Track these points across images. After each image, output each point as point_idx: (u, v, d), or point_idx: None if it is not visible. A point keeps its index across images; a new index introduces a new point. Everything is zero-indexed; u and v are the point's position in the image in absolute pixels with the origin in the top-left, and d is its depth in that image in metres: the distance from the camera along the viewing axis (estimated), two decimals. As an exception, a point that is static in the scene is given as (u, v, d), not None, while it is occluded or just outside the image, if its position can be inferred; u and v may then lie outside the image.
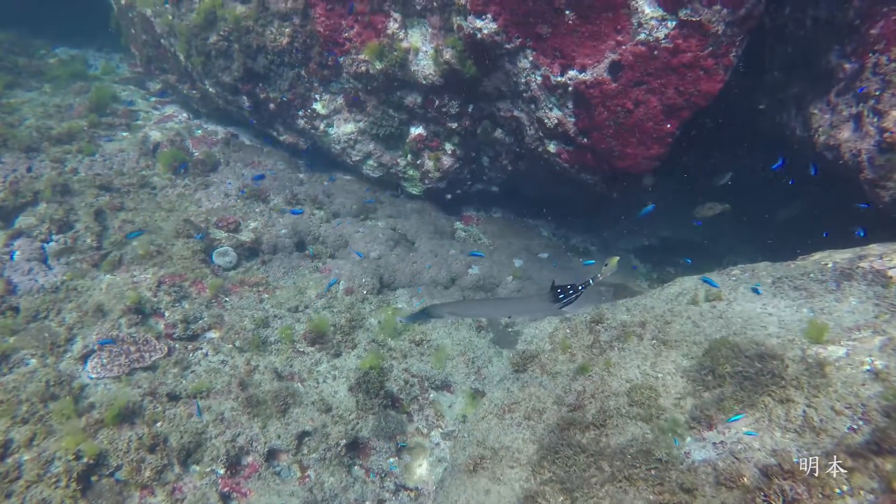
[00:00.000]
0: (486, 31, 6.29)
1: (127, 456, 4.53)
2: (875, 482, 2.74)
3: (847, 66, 5.41)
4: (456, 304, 6.11)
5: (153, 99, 10.41)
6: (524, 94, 6.79)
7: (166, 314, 6.00)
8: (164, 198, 7.87)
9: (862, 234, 5.66)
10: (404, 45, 7.14)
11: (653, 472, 3.59)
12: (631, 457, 3.77)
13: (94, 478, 4.37)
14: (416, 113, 7.86)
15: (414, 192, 8.86)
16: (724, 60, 5.55)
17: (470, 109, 7.69)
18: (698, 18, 5.38)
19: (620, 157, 6.47)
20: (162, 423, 4.89)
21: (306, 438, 5.08)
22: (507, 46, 6.36)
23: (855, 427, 3.04)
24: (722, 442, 3.60)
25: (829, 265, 4.82)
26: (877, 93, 5.11)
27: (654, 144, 6.26)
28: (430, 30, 7.01)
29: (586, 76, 6.04)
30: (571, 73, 6.10)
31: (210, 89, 8.75)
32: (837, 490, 2.60)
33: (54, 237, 6.65)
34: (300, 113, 8.42)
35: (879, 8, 5.19)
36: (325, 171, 9.29)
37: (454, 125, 7.83)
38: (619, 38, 5.75)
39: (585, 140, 6.55)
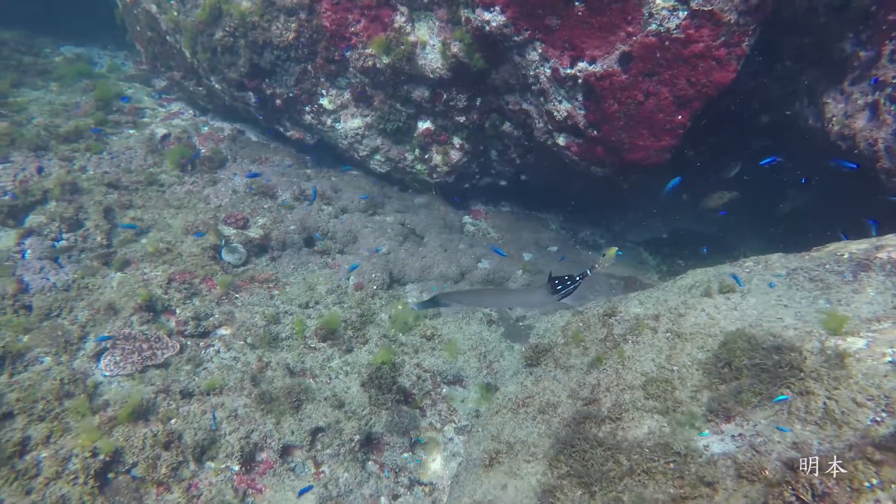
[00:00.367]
0: (494, 24, 6.24)
1: (142, 453, 4.54)
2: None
3: (862, 53, 5.34)
4: (462, 293, 6.11)
5: (161, 96, 10.40)
6: (533, 87, 6.74)
7: (177, 311, 6.01)
8: (173, 195, 7.86)
9: (874, 225, 5.60)
10: (411, 38, 7.09)
11: (671, 465, 3.58)
12: (649, 450, 3.76)
13: (110, 475, 4.39)
14: (424, 107, 7.82)
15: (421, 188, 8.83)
16: (736, 50, 5.48)
17: (478, 103, 7.65)
18: (710, 8, 5.32)
19: (631, 150, 6.42)
20: (176, 420, 4.90)
21: (320, 434, 5.08)
22: (516, 39, 6.30)
23: (878, 419, 3.01)
24: (741, 434, 3.58)
25: (846, 256, 4.78)
26: (894, 80, 5.05)
27: (665, 136, 6.21)
28: (437, 23, 6.96)
29: (596, 68, 5.98)
30: (581, 64, 6.05)
31: (216, 86, 8.72)
32: (867, 484, 2.57)
33: (64, 235, 6.65)
34: (307, 108, 8.39)
35: (896, -6, 5.13)
36: (333, 167, 9.27)
37: (462, 119, 7.79)
38: (630, 28, 5.69)
39: (595, 133, 6.50)
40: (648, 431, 4.00)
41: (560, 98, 6.50)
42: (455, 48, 6.81)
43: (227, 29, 7.78)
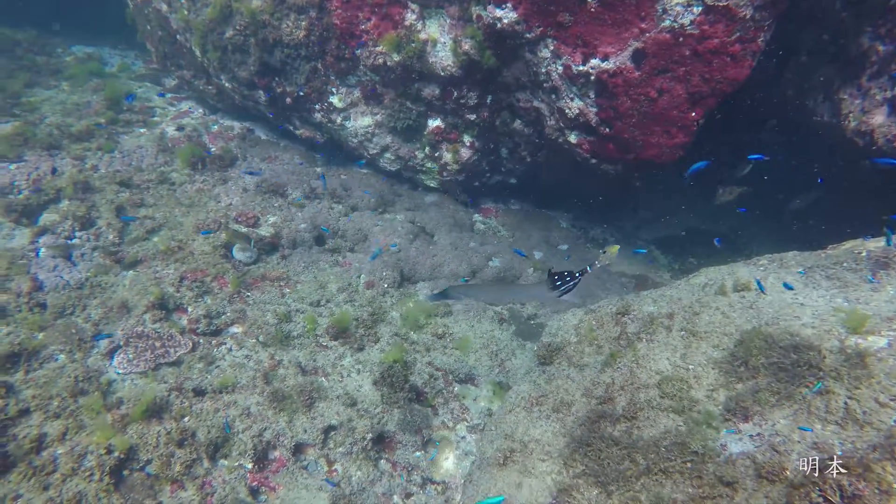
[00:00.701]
0: (506, 21, 6.21)
1: (156, 450, 4.55)
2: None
3: (881, 48, 5.27)
4: (470, 287, 6.09)
5: (169, 95, 10.44)
6: (544, 85, 6.70)
7: (189, 309, 6.02)
8: (184, 193, 7.88)
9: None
10: (422, 36, 7.07)
11: (689, 464, 3.54)
12: (665, 449, 3.73)
13: (125, 472, 4.40)
14: (434, 105, 7.80)
15: (432, 185, 8.81)
16: (751, 46, 5.43)
17: (489, 101, 7.62)
18: (725, 3, 5.26)
19: (644, 147, 6.38)
20: (189, 418, 4.91)
21: (332, 433, 5.08)
22: (528, 36, 6.27)
23: (902, 419, 2.97)
24: (759, 434, 3.54)
25: (863, 254, 4.72)
26: (913, 76, 4.99)
27: (678, 133, 6.16)
28: (448, 20, 6.94)
29: (609, 65, 5.94)
30: (594, 61, 6.01)
31: (226, 84, 8.74)
32: None
33: (77, 234, 6.68)
34: (317, 107, 8.40)
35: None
36: (343, 166, 9.27)
37: (473, 117, 7.76)
38: (643, 25, 5.64)
39: (608, 130, 6.46)
40: (664, 430, 3.97)
41: (572, 95, 6.46)
42: (466, 45, 6.79)
43: (237, 27, 7.79)
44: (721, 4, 5.27)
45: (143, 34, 10.08)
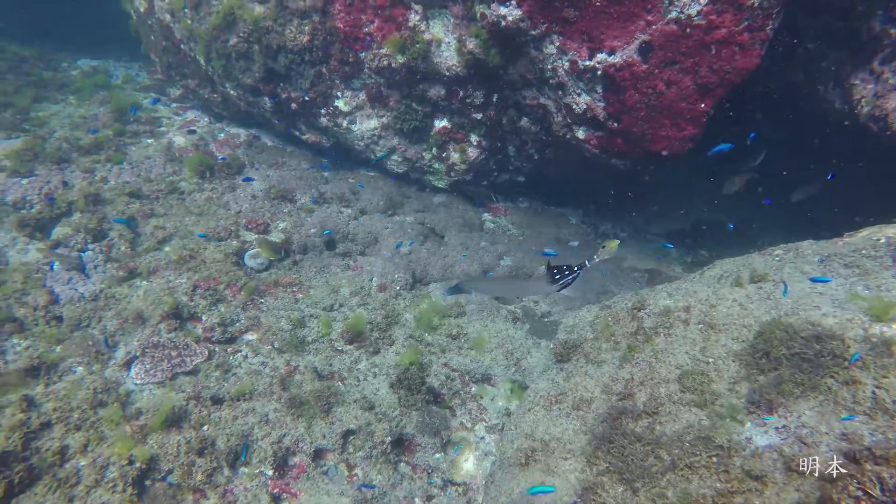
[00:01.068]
0: (510, 18, 6.18)
1: (177, 460, 4.56)
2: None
3: (893, 31, 5.20)
4: (480, 280, 6.05)
5: (174, 105, 10.48)
6: (551, 81, 6.67)
7: (203, 318, 6.03)
8: (193, 202, 7.91)
9: None
10: (426, 36, 7.06)
11: (714, 459, 3.51)
12: (689, 444, 3.69)
13: (147, 482, 4.41)
14: (440, 105, 7.79)
15: (440, 186, 8.80)
16: (760, 34, 5.37)
17: (495, 99, 7.59)
18: (732, -8, 5.22)
19: (653, 140, 6.33)
20: (208, 427, 4.91)
21: (351, 437, 5.07)
22: (533, 32, 6.24)
23: (933, 408, 2.92)
24: (785, 426, 3.50)
25: (882, 241, 4.67)
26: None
27: (687, 125, 6.12)
28: (452, 20, 6.92)
29: (616, 59, 5.91)
30: (600, 56, 5.97)
31: (231, 92, 8.76)
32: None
33: (90, 246, 6.71)
34: (322, 111, 8.40)
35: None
36: (349, 169, 9.27)
37: (479, 116, 7.74)
38: (650, 17, 5.60)
39: (616, 124, 6.42)
40: (687, 425, 3.93)
41: (579, 91, 6.42)
42: (471, 45, 6.77)
43: (241, 35, 7.81)
44: (728, -7, 5.23)
45: (148, 45, 10.12)
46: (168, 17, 8.72)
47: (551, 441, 4.37)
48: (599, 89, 6.23)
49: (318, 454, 4.95)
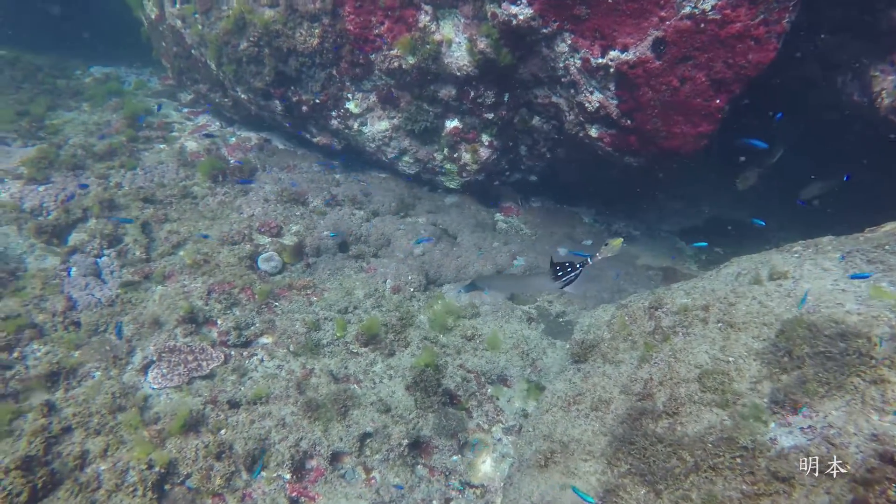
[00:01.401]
0: (521, 17, 6.15)
1: (196, 464, 4.58)
2: None
3: (913, 22, 5.10)
4: (491, 278, 6.05)
5: (186, 110, 10.55)
6: (563, 79, 6.62)
7: (219, 322, 6.05)
8: (206, 206, 7.95)
9: None
10: (437, 37, 7.04)
11: (739, 460, 3.45)
12: (712, 445, 3.64)
13: (167, 486, 4.43)
14: (451, 106, 7.76)
15: (452, 187, 8.77)
16: (776, 28, 5.29)
17: (506, 98, 7.56)
18: (748, -14, 5.15)
19: (667, 137, 6.27)
20: (226, 431, 4.92)
21: (368, 440, 5.07)
22: (544, 31, 6.20)
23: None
24: (811, 427, 3.44)
25: (906, 235, 4.58)
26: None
27: (702, 122, 6.04)
28: (462, 20, 6.89)
29: (629, 56, 5.85)
30: (613, 53, 5.92)
31: (242, 96, 8.80)
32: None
33: (105, 252, 6.76)
34: (333, 113, 8.41)
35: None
36: (361, 171, 9.28)
37: (490, 116, 7.71)
38: (663, 13, 5.54)
39: (629, 122, 6.36)
40: (709, 425, 3.87)
41: (591, 89, 6.37)
42: (482, 44, 6.74)
43: (251, 39, 7.84)
44: (743, -13, 5.16)
45: (159, 51, 10.20)
46: (179, 22, 8.77)
47: (570, 442, 4.33)
48: (612, 87, 6.18)
49: (335, 457, 4.94)
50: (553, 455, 4.26)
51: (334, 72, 7.96)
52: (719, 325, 4.60)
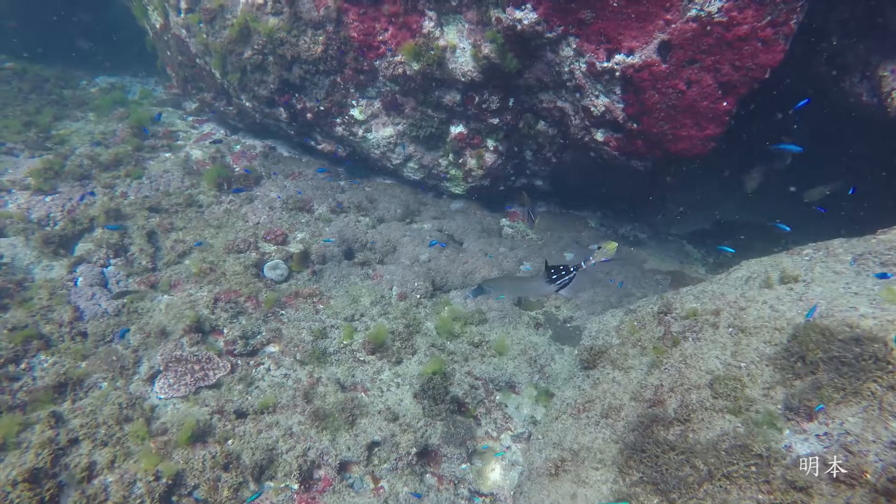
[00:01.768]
0: (526, 22, 6.13)
1: (203, 475, 4.54)
2: None
3: (923, 22, 5.05)
4: (494, 281, 6.05)
5: (190, 118, 10.58)
6: (568, 84, 6.60)
7: (225, 331, 6.03)
8: (212, 215, 7.95)
9: None
10: (441, 43, 7.03)
11: (753, 468, 3.39)
12: (726, 453, 3.58)
13: (174, 498, 4.40)
14: (456, 111, 7.75)
15: (457, 192, 8.75)
16: (783, 29, 5.25)
17: (511, 104, 7.53)
18: (754, -13, 5.11)
19: (674, 141, 6.22)
20: (233, 441, 4.89)
21: (376, 449, 5.02)
22: (549, 35, 6.18)
23: None
24: (826, 434, 3.37)
25: (919, 237, 4.51)
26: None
27: (709, 125, 6.00)
28: (466, 25, 6.88)
29: (634, 59, 5.82)
30: (618, 57, 5.89)
31: (247, 104, 8.81)
32: None
33: (112, 261, 6.77)
34: (338, 120, 8.40)
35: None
36: (366, 178, 9.27)
37: (495, 121, 7.68)
38: (668, 16, 5.51)
39: (635, 126, 6.33)
40: (722, 432, 3.82)
41: (597, 93, 6.34)
42: (486, 49, 6.72)
43: (255, 47, 7.85)
44: (749, -11, 5.12)
45: (164, 60, 10.24)
46: (184, 32, 8.80)
47: (581, 450, 4.28)
48: (618, 91, 6.15)
49: (343, 467, 4.90)
50: (563, 463, 4.21)
51: (338, 79, 7.96)
52: (730, 329, 4.55)
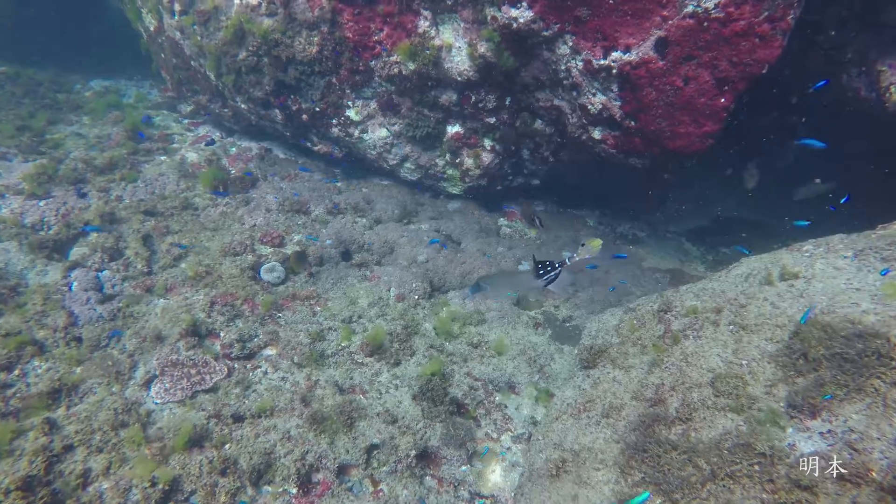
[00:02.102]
0: (522, 20, 6.09)
1: (200, 480, 4.49)
2: None
3: (921, 16, 5.03)
4: (493, 277, 6.02)
5: (186, 121, 10.53)
6: (564, 82, 6.56)
7: (222, 334, 5.97)
8: (208, 217, 7.89)
9: None
10: (436, 42, 6.99)
11: (756, 467, 3.35)
12: (729, 452, 3.54)
13: (171, 504, 4.34)
14: (453, 111, 7.71)
15: (454, 192, 8.70)
16: (781, 24, 5.22)
17: (507, 103, 7.50)
18: (750, -17, 5.08)
19: (672, 138, 6.19)
20: (230, 445, 4.83)
21: (375, 451, 4.97)
22: (545, 33, 6.14)
23: None
24: (830, 431, 3.33)
25: (920, 232, 4.48)
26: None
27: (707, 121, 5.97)
28: (462, 24, 6.84)
29: (631, 56, 5.78)
30: (615, 54, 5.86)
31: (242, 106, 8.76)
32: None
33: (107, 265, 6.70)
34: (333, 121, 8.36)
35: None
36: (363, 179, 9.22)
37: (492, 120, 7.64)
38: (665, 12, 5.48)
39: (633, 123, 6.29)
40: (724, 431, 3.77)
41: (594, 90, 6.31)
42: (482, 48, 6.68)
43: (250, 48, 7.80)
44: (746, -16, 5.09)
45: (159, 63, 10.19)
46: (178, 34, 8.75)
47: (582, 451, 4.23)
48: (615, 88, 6.11)
49: (342, 470, 4.85)
50: (564, 464, 4.17)
51: (334, 79, 7.91)
52: (731, 327, 4.51)
